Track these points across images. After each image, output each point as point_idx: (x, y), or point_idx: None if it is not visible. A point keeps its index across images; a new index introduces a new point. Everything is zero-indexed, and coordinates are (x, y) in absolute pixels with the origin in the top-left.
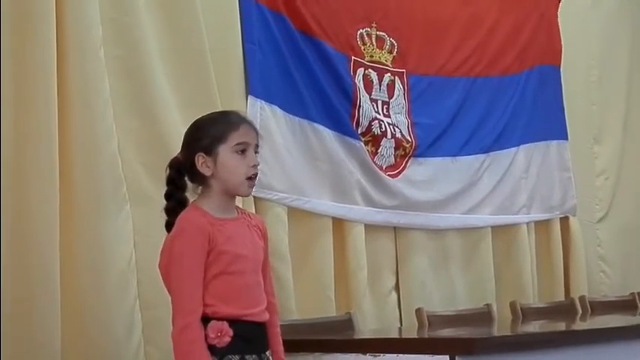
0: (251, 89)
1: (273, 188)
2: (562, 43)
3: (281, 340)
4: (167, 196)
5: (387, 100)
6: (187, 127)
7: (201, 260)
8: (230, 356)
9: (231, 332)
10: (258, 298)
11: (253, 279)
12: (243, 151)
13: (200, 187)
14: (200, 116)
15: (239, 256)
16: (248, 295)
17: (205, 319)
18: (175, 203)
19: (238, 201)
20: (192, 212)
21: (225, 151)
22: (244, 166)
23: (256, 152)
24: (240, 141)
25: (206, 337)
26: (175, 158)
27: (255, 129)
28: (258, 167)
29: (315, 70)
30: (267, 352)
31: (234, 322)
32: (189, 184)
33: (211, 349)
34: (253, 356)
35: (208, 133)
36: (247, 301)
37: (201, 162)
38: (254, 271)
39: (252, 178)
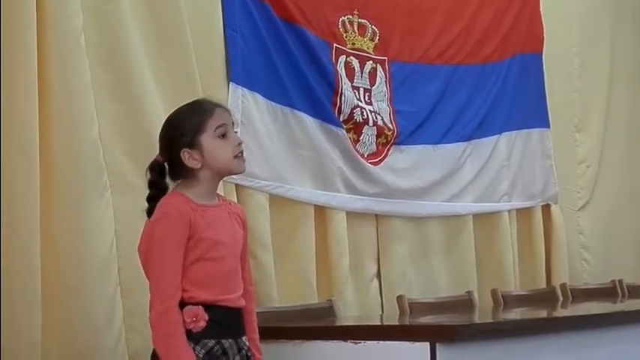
0: (232, 76)
1: (255, 176)
2: (544, 30)
3: (257, 328)
4: (149, 199)
5: (368, 87)
6: (168, 113)
7: (181, 245)
8: (206, 340)
9: (206, 317)
10: (234, 284)
11: (231, 266)
12: (223, 135)
13: (180, 180)
14: (171, 112)
15: (218, 243)
16: (224, 282)
17: (181, 305)
18: (156, 204)
19: (219, 188)
20: (175, 198)
21: (208, 139)
22: (231, 147)
23: (236, 131)
24: (219, 124)
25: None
26: (155, 161)
27: (227, 109)
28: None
29: (296, 57)
30: (244, 338)
31: (209, 307)
32: (170, 184)
33: (187, 333)
34: (229, 341)
35: (186, 127)
36: (223, 287)
37: (188, 157)
38: (232, 257)
39: (239, 156)
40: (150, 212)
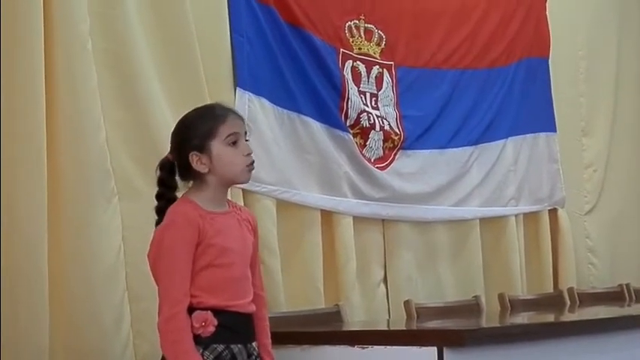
0: (239, 81)
1: (262, 181)
2: (550, 35)
3: (269, 334)
4: (158, 197)
5: (375, 92)
6: (176, 119)
7: (190, 252)
8: (215, 345)
9: (215, 322)
10: (244, 290)
11: (241, 272)
12: (234, 143)
13: (191, 182)
14: (185, 113)
15: (227, 250)
16: (234, 288)
17: (190, 310)
18: (166, 203)
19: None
20: (184, 205)
21: (218, 146)
22: (239, 156)
23: (246, 140)
24: (230, 132)
25: (191, 327)
26: (165, 159)
27: (241, 117)
28: (252, 155)
29: (303, 62)
30: (254, 343)
31: (218, 312)
32: (179, 182)
33: (196, 338)
34: (239, 346)
35: (198, 131)
36: (233, 293)
37: (196, 160)
38: (242, 264)
39: (247, 166)
40: (158, 214)
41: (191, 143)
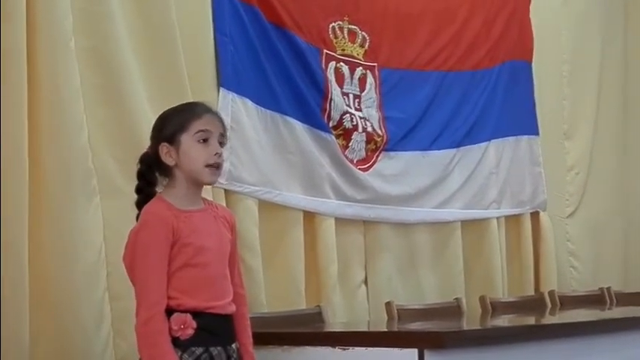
0: (222, 81)
1: (244, 181)
2: (534, 38)
3: (250, 333)
4: (137, 191)
5: (358, 93)
6: None
7: (165, 252)
8: (194, 348)
9: (194, 324)
10: (223, 290)
11: (218, 271)
12: (205, 140)
13: (166, 180)
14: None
15: (203, 248)
16: (212, 288)
17: (169, 312)
18: (145, 197)
19: (208, 193)
20: (157, 204)
21: (187, 140)
22: (205, 154)
23: (222, 143)
24: (202, 129)
25: (169, 329)
26: (146, 153)
27: (220, 119)
28: (224, 157)
29: (286, 62)
30: (234, 345)
31: (197, 315)
32: (159, 178)
33: (175, 341)
34: (218, 348)
35: (171, 123)
36: (211, 293)
37: (165, 152)
38: (219, 263)
39: (213, 166)
40: (139, 208)
41: (162, 133)
